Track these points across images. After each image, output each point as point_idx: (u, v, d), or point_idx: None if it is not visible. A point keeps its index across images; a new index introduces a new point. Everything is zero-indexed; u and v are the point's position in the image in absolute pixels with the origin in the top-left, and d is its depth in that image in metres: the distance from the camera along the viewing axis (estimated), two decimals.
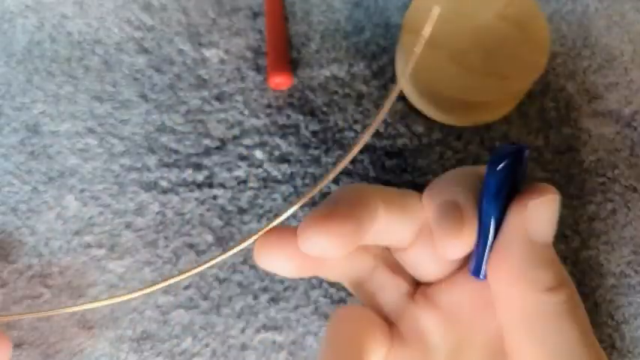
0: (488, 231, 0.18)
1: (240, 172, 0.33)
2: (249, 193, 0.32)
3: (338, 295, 0.31)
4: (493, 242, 0.18)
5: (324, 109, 0.34)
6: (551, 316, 0.17)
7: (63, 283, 0.31)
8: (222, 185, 0.33)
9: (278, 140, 0.33)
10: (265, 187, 0.32)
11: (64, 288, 0.31)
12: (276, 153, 0.33)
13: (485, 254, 0.18)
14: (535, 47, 0.31)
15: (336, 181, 0.33)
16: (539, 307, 0.17)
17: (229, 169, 0.33)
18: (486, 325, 0.19)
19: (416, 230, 0.20)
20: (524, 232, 0.17)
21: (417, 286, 0.22)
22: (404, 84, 0.33)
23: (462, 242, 0.18)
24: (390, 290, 0.21)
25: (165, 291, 0.31)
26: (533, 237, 0.17)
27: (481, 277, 0.19)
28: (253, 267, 0.31)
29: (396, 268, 0.22)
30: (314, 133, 0.34)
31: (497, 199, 0.18)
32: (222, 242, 0.32)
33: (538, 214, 0.17)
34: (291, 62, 0.35)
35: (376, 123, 0.19)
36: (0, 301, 0.31)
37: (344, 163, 0.19)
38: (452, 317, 0.20)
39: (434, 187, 0.20)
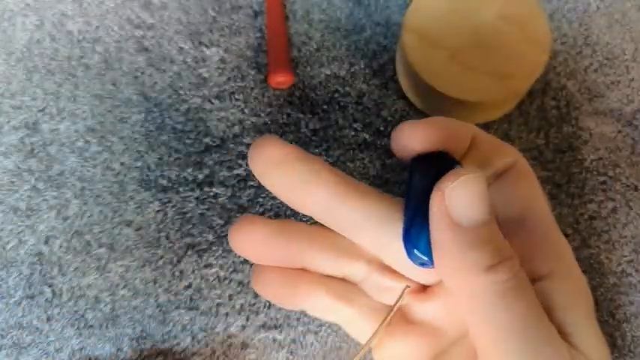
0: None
1: (240, 171, 0.33)
2: (250, 191, 0.32)
3: None
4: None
5: (325, 107, 0.34)
6: (498, 296, 0.16)
7: (63, 283, 0.31)
8: (222, 184, 0.33)
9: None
10: None
11: (64, 287, 0.31)
12: None
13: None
14: (536, 46, 0.31)
15: None
16: (483, 289, 0.16)
17: (230, 168, 0.33)
18: None
19: (507, 162, 0.20)
20: (449, 219, 0.16)
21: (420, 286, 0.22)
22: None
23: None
24: (392, 291, 0.21)
25: (166, 290, 0.31)
26: (459, 222, 0.16)
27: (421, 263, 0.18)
28: (253, 266, 0.31)
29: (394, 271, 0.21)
30: (314, 132, 0.33)
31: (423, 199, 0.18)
32: (223, 241, 0.32)
33: (457, 199, 0.16)
34: (291, 61, 0.35)
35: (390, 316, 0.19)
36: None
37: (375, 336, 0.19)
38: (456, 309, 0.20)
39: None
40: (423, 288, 0.21)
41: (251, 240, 0.20)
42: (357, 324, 0.21)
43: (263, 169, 0.18)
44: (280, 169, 0.18)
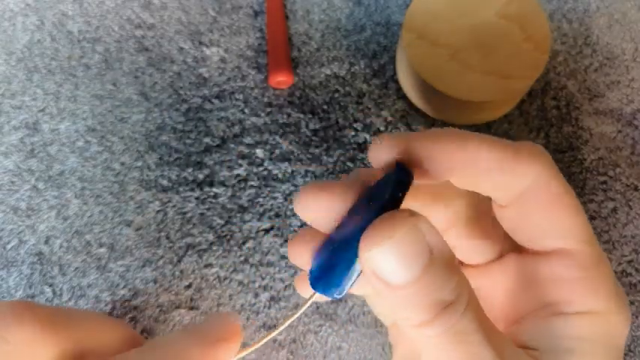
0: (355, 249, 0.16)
1: (240, 171, 0.33)
2: (250, 191, 0.32)
3: None
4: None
5: (325, 107, 0.34)
6: (433, 349, 0.16)
7: (64, 282, 0.31)
8: (222, 184, 0.33)
9: (279, 139, 0.33)
10: (266, 185, 0.32)
11: (65, 287, 0.31)
12: (277, 151, 0.33)
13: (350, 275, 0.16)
14: (536, 46, 0.31)
15: (336, 179, 0.33)
16: (420, 341, 0.16)
17: (230, 168, 0.33)
18: None
19: (524, 184, 0.18)
20: (378, 279, 0.15)
21: (509, 252, 0.21)
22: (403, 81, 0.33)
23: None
24: (468, 253, 0.20)
25: (166, 290, 0.31)
26: (389, 282, 0.15)
27: (336, 295, 0.17)
28: (254, 266, 0.31)
29: (481, 229, 0.21)
30: (314, 132, 0.33)
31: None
32: (223, 241, 0.32)
33: (384, 262, 0.15)
34: (291, 61, 0.35)
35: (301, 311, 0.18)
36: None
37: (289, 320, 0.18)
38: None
39: None
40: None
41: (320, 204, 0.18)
42: (378, 301, 0.21)
43: None
44: None
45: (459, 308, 0.16)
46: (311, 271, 0.17)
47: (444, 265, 0.15)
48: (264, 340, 0.19)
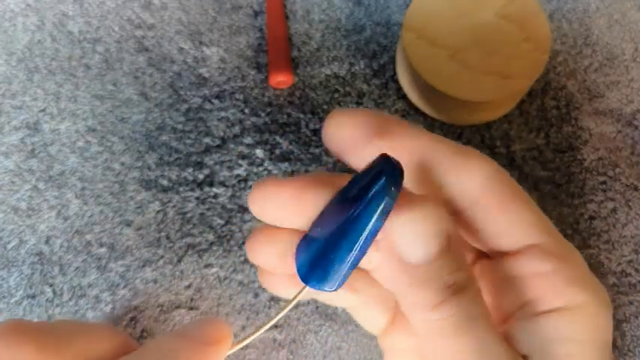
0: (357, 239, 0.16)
1: (240, 171, 0.33)
2: (250, 191, 0.32)
3: None
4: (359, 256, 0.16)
5: (325, 107, 0.34)
6: (438, 334, 0.16)
7: (64, 282, 0.31)
8: (222, 184, 0.33)
9: (279, 139, 0.33)
10: None
11: (65, 287, 0.31)
12: (277, 151, 0.33)
13: (346, 266, 0.16)
14: (536, 46, 0.31)
15: None
16: (425, 327, 0.16)
17: (230, 168, 0.33)
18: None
19: (476, 185, 0.18)
20: (395, 254, 0.15)
21: (478, 259, 0.21)
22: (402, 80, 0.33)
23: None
24: None
25: (166, 290, 0.31)
26: (406, 259, 0.15)
27: (328, 288, 0.16)
28: (254, 266, 0.31)
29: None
30: (315, 132, 0.34)
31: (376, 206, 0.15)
32: (223, 241, 0.32)
33: (406, 235, 0.15)
34: (291, 61, 0.35)
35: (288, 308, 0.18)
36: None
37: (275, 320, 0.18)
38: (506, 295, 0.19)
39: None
40: None
41: (272, 203, 0.18)
42: (362, 312, 0.21)
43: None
44: None
45: (470, 293, 0.16)
46: (300, 267, 0.17)
47: (458, 249, 0.16)
48: (251, 339, 0.18)
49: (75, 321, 0.21)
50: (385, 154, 0.16)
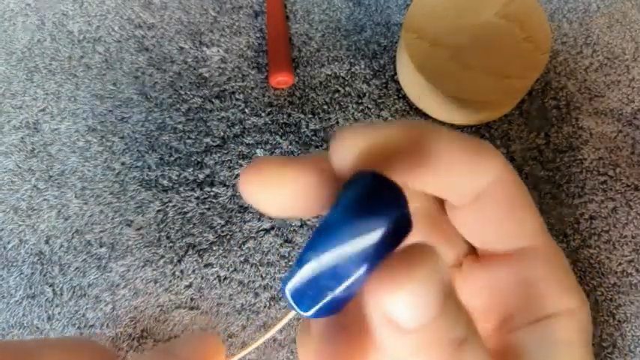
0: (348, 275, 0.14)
1: (240, 171, 0.33)
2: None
3: None
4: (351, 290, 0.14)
5: (325, 107, 0.34)
6: None
7: (64, 282, 0.31)
8: (223, 184, 0.33)
9: (279, 139, 0.33)
10: None
11: (65, 287, 0.31)
12: (277, 151, 0.33)
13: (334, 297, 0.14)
14: (536, 46, 0.31)
15: None
16: None
17: (230, 168, 0.33)
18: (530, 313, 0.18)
19: (484, 184, 0.17)
20: (390, 325, 0.13)
21: (466, 256, 0.20)
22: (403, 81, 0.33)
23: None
24: None
25: (166, 290, 0.31)
26: (404, 327, 0.13)
27: (309, 315, 0.15)
28: (254, 266, 0.31)
29: (441, 233, 0.19)
30: (315, 132, 0.34)
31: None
32: (224, 241, 0.32)
33: (400, 305, 0.13)
34: (292, 61, 0.35)
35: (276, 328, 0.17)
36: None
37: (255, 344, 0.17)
38: (497, 296, 0.18)
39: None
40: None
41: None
42: None
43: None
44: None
45: (473, 344, 0.14)
46: (289, 291, 0.15)
47: (454, 298, 0.14)
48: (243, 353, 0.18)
49: (53, 340, 0.21)
50: (397, 192, 0.14)
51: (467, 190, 0.17)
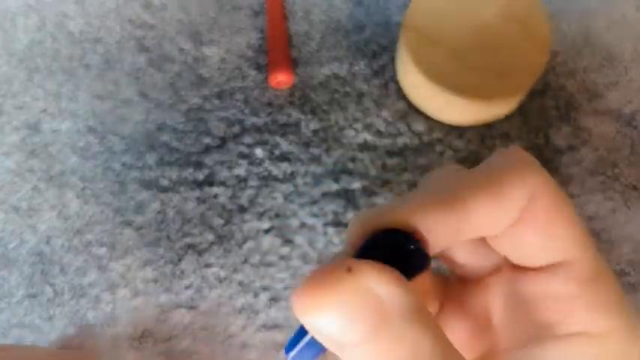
0: None
1: (240, 171, 0.33)
2: (250, 191, 0.32)
3: None
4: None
5: (325, 107, 0.34)
6: None
7: (65, 282, 0.31)
8: (222, 184, 0.33)
9: (278, 139, 0.33)
10: (266, 185, 0.33)
11: (66, 287, 0.31)
12: (277, 151, 0.33)
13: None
14: (536, 46, 0.31)
15: (336, 179, 0.33)
16: None
17: (230, 168, 0.33)
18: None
19: (514, 215, 0.16)
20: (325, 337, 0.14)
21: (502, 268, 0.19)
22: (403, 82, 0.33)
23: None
24: (473, 259, 0.19)
25: (167, 290, 0.31)
26: (338, 341, 0.13)
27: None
28: (254, 266, 0.31)
29: (481, 242, 0.19)
30: (315, 132, 0.34)
31: None
32: (223, 241, 0.32)
33: (326, 328, 0.13)
34: (291, 61, 0.35)
35: None
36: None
37: None
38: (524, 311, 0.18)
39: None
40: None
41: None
42: None
43: None
44: None
45: None
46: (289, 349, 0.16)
47: (403, 318, 0.13)
48: None
49: (38, 348, 0.20)
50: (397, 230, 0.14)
51: (502, 223, 0.16)
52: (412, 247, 0.14)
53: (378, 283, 0.13)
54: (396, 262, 0.14)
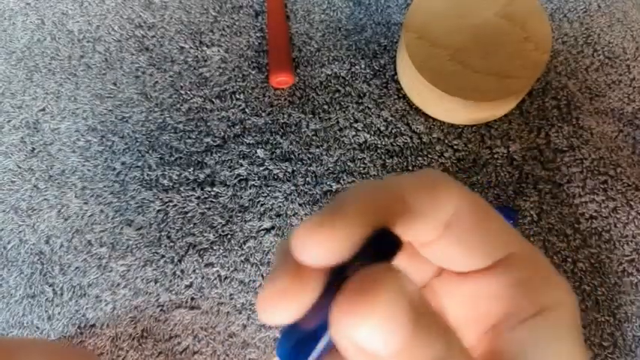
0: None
1: (241, 171, 0.33)
2: (251, 191, 0.32)
3: None
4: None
5: (325, 107, 0.34)
6: None
7: (64, 282, 0.31)
8: (223, 183, 0.33)
9: (279, 138, 0.33)
10: (267, 185, 0.32)
11: (65, 287, 0.31)
12: (278, 151, 0.33)
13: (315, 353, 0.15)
14: (536, 45, 0.31)
15: (336, 179, 0.33)
16: None
17: (231, 168, 0.33)
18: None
19: (447, 216, 0.17)
20: (357, 349, 0.13)
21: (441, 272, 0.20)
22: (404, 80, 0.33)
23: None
24: (412, 275, 0.19)
25: (167, 290, 0.31)
26: (374, 353, 0.13)
27: None
28: (255, 265, 0.31)
29: (416, 254, 0.19)
30: (315, 132, 0.33)
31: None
32: (224, 240, 0.32)
33: (367, 339, 0.13)
34: (292, 61, 0.35)
35: None
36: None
37: None
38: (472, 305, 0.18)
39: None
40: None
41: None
42: None
43: None
44: None
45: None
46: (282, 354, 0.15)
47: (428, 317, 0.14)
48: None
49: (36, 339, 0.20)
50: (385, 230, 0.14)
51: (434, 225, 0.17)
52: (381, 232, 0.14)
53: (409, 284, 0.13)
54: (376, 253, 0.14)
